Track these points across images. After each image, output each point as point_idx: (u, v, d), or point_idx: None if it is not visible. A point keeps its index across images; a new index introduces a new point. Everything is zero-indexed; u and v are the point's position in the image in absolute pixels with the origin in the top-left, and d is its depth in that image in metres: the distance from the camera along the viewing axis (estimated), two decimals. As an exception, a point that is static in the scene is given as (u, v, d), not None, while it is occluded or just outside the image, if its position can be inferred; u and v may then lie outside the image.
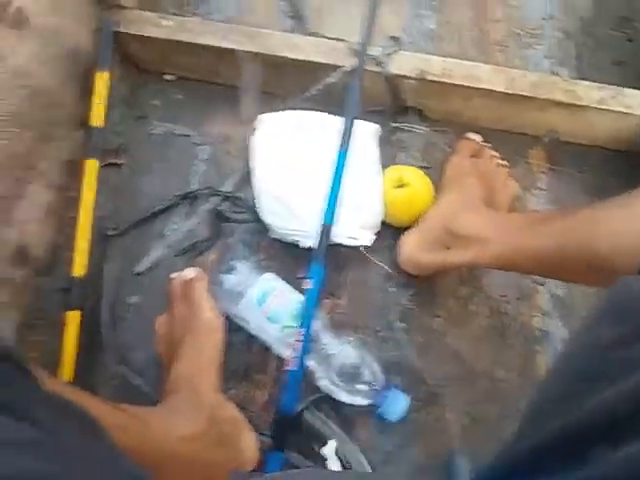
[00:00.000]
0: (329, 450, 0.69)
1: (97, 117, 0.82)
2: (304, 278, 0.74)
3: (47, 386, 0.34)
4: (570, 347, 0.40)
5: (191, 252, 0.82)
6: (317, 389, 0.71)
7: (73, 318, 0.75)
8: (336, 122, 0.79)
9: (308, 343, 0.70)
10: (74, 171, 0.82)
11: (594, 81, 0.83)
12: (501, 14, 1.02)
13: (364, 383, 0.69)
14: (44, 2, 0.74)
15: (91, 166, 0.80)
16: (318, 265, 0.72)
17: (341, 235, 0.75)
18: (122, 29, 0.83)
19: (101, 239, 0.82)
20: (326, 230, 0.73)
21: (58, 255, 0.80)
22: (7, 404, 0.28)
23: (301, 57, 0.83)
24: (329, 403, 0.72)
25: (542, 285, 0.80)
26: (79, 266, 0.77)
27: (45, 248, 0.79)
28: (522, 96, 0.82)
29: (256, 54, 0.84)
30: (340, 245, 0.77)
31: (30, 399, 0.31)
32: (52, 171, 0.80)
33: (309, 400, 0.71)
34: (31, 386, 0.33)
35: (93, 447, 0.33)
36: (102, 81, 0.82)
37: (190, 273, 0.74)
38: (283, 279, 0.76)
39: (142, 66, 0.92)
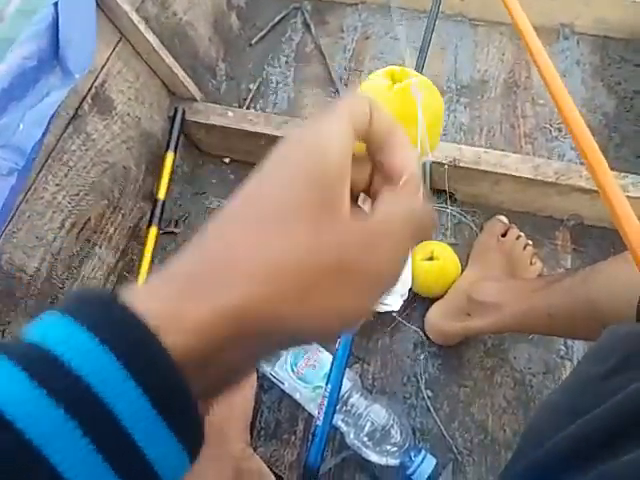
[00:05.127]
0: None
1: (162, 191, 0.93)
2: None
3: None
4: (564, 382, 0.44)
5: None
6: (347, 447, 0.74)
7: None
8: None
9: (335, 399, 0.73)
10: (136, 237, 0.93)
11: (619, 172, 0.88)
12: (530, 111, 1.11)
13: (393, 444, 0.71)
14: (129, 93, 0.88)
15: (152, 233, 0.91)
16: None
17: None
18: (191, 117, 0.97)
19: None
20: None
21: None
22: None
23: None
24: (358, 461, 0.74)
25: (569, 360, 0.82)
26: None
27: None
28: (546, 182, 0.88)
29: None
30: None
31: None
32: (118, 236, 0.91)
33: (339, 457, 0.74)
34: None
35: None
36: (169, 160, 0.94)
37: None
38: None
39: (203, 149, 1.04)
